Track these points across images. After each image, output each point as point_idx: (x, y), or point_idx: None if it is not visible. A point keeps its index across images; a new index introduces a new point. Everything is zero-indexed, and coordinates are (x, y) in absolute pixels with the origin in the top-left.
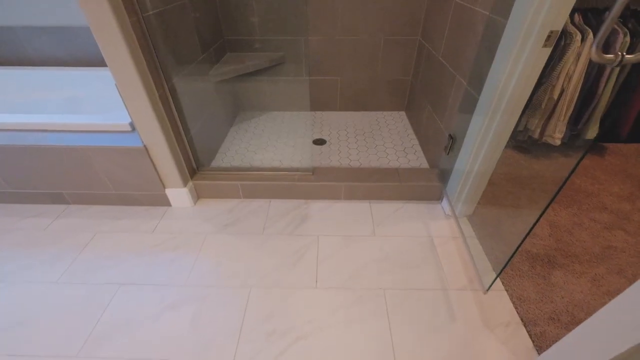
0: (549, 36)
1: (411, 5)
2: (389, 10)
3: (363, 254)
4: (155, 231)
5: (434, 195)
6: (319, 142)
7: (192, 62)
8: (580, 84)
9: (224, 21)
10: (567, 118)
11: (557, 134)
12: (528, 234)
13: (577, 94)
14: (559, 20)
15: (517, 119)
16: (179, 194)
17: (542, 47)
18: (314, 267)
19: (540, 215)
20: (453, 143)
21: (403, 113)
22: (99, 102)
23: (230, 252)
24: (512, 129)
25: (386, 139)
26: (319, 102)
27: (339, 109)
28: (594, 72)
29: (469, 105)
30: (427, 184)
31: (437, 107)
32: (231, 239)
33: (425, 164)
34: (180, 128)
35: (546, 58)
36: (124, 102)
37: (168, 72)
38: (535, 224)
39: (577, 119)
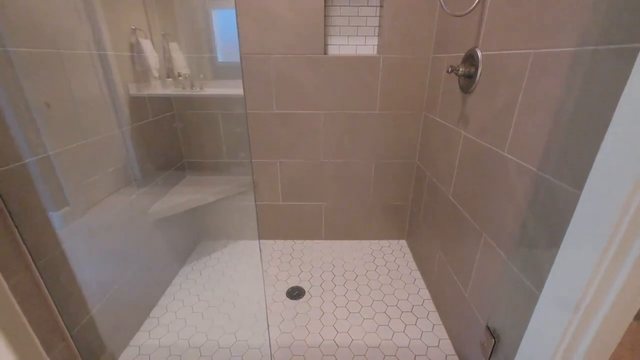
0: None
1: (403, 129)
2: (379, 133)
3: None
4: None
5: None
6: (295, 293)
7: (117, 195)
8: None
9: (185, 142)
10: None
11: None
12: None
13: None
14: None
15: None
16: None
17: None
18: None
19: None
20: (497, 345)
21: (404, 242)
22: None
23: None
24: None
25: (386, 287)
26: (299, 230)
27: (325, 237)
28: None
29: (517, 291)
30: None
31: (454, 262)
32: None
33: (445, 339)
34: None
35: None
36: None
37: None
38: None
39: None
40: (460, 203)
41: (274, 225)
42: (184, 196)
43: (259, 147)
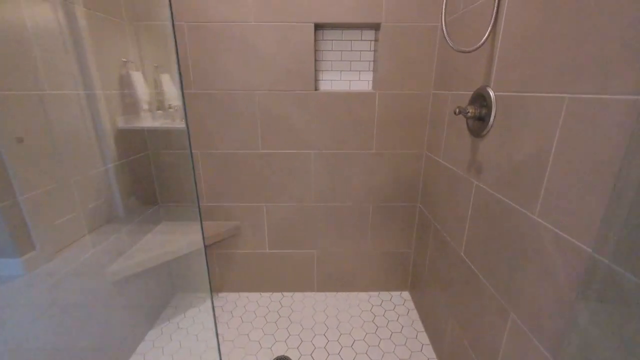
0: None
1: (403, 170)
2: (376, 174)
3: None
4: None
5: None
6: None
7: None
8: None
9: (160, 184)
10: None
11: None
12: None
13: None
14: None
15: None
16: None
17: None
18: None
19: None
20: None
21: (407, 294)
22: None
23: None
24: None
25: (389, 356)
26: (289, 281)
27: (317, 289)
28: None
29: None
30: None
31: (473, 339)
32: None
33: None
34: None
35: None
36: None
37: None
38: None
39: None
40: (477, 265)
41: (259, 276)
42: (155, 249)
43: (243, 190)
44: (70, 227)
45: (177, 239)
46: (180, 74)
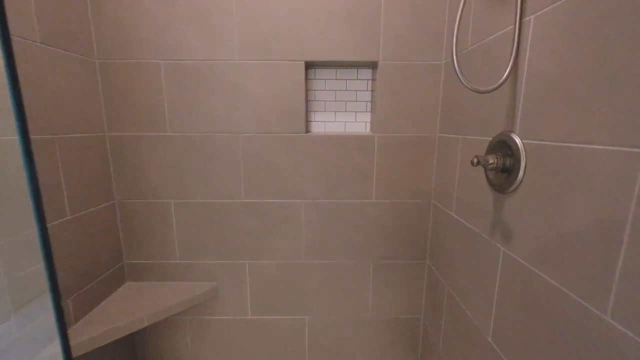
0: None
1: (408, 222)
2: (377, 227)
3: None
4: None
5: None
6: None
7: None
8: None
9: (126, 239)
10: None
11: None
12: None
13: None
14: None
15: None
16: None
17: None
18: None
19: None
20: None
21: None
22: None
23: None
24: None
25: None
26: (275, 354)
27: None
28: None
29: None
30: None
31: None
32: None
33: None
34: None
35: None
36: None
37: None
38: None
39: None
40: (506, 353)
41: (240, 348)
42: (114, 319)
43: (222, 245)
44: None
45: (144, 303)
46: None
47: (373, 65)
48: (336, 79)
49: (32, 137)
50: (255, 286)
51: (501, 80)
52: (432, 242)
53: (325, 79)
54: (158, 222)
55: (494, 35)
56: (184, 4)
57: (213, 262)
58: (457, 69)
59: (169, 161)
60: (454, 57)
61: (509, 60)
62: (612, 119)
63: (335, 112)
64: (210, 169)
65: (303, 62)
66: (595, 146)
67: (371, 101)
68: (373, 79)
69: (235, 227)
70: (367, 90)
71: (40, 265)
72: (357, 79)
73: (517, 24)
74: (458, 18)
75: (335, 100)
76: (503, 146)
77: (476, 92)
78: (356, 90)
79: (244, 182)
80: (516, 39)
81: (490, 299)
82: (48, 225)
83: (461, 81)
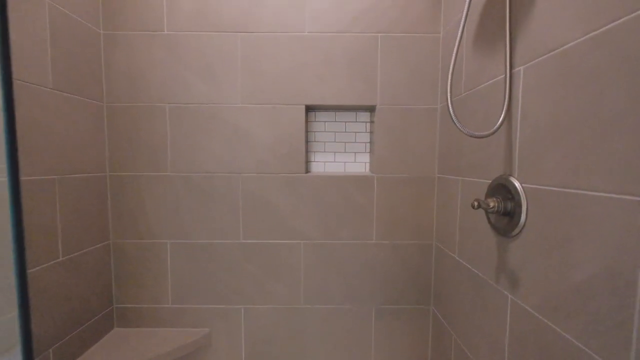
0: None
1: (410, 264)
2: (378, 269)
3: None
4: None
5: None
6: None
7: None
8: None
9: (118, 281)
10: None
11: None
12: None
13: None
14: None
15: None
16: None
17: None
18: None
19: None
20: None
21: None
22: None
23: None
24: None
25: None
26: None
27: None
28: None
29: None
30: None
31: None
32: None
33: None
34: None
35: None
36: None
37: None
38: None
39: None
40: None
41: None
42: None
43: (217, 287)
44: None
45: (133, 353)
46: None
47: (371, 109)
48: (336, 121)
49: (34, 178)
50: (250, 333)
51: (496, 127)
52: (436, 286)
53: (325, 121)
54: (153, 264)
55: (486, 84)
56: (191, 54)
57: (207, 306)
58: (452, 115)
59: (167, 201)
60: (449, 104)
61: (503, 106)
62: (609, 166)
63: (334, 152)
64: (209, 208)
65: (303, 106)
66: (596, 193)
67: (370, 142)
68: (371, 121)
69: (232, 269)
70: (365, 132)
71: (14, 314)
72: (356, 122)
73: (508, 74)
74: (451, 68)
75: (335, 141)
76: (503, 189)
77: (472, 136)
78: (355, 132)
79: (242, 222)
80: (507, 88)
81: (502, 351)
82: (38, 268)
83: (457, 127)
